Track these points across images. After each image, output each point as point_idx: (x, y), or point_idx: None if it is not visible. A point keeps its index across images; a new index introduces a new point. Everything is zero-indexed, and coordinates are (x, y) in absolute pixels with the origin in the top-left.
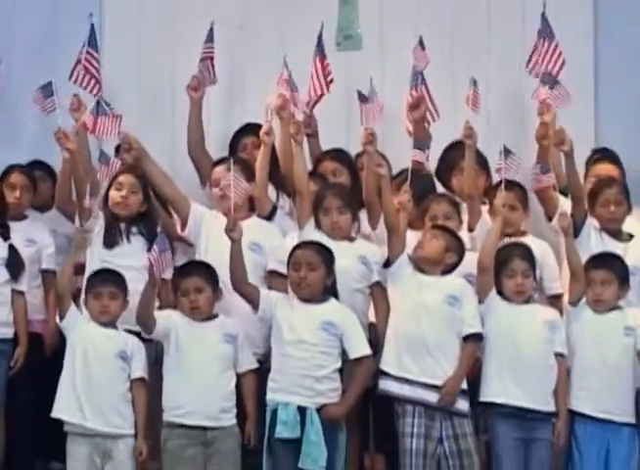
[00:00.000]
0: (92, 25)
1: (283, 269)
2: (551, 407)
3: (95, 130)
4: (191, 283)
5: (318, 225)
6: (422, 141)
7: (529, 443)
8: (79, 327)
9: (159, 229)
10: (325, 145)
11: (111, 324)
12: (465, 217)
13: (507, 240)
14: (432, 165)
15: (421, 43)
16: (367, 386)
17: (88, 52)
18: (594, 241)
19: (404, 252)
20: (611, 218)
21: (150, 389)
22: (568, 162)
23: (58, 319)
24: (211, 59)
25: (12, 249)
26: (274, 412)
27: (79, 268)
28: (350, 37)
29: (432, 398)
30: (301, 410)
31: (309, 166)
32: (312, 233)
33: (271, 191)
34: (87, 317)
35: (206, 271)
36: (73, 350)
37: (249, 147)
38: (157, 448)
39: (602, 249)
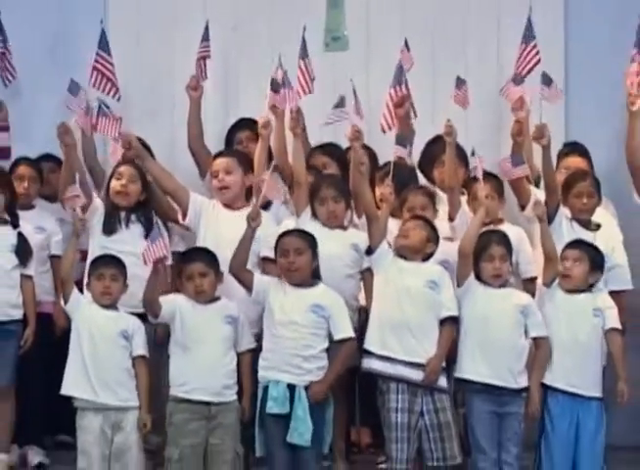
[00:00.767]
0: (102, 30)
1: None
2: (520, 385)
3: (95, 130)
4: (195, 268)
5: (314, 214)
6: (404, 137)
7: (503, 416)
8: (82, 310)
9: (155, 218)
10: (314, 141)
11: (112, 306)
12: (445, 208)
13: (485, 228)
14: (415, 159)
15: (406, 45)
16: (354, 364)
17: (101, 56)
18: (565, 229)
19: (384, 240)
20: (583, 209)
21: (150, 366)
22: (544, 154)
23: (62, 303)
24: (208, 57)
25: (21, 236)
26: (265, 389)
27: (86, 256)
28: (338, 39)
29: (415, 375)
30: (291, 388)
31: None
32: (308, 222)
33: None
34: (90, 300)
35: (209, 257)
36: (78, 331)
37: (244, 141)
38: (158, 423)
39: (573, 237)
